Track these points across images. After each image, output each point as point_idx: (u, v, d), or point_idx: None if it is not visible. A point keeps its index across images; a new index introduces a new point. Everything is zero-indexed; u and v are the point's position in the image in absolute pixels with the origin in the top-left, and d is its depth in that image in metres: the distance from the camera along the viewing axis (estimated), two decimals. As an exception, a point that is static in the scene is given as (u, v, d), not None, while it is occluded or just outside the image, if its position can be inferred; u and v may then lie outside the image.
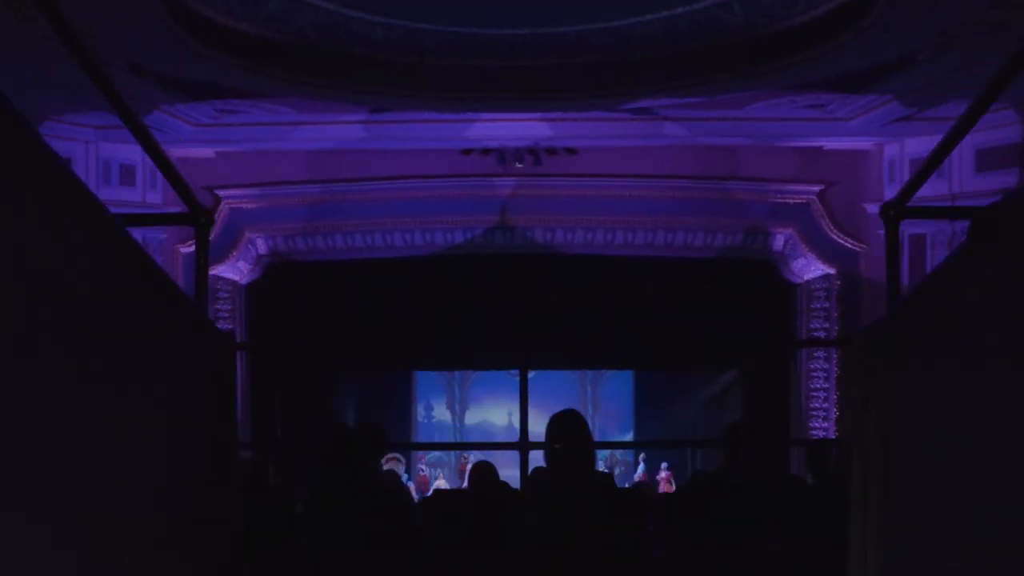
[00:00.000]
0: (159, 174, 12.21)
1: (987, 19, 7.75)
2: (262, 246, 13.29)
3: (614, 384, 19.40)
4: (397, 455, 19.15)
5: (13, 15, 7.33)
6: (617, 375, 18.58)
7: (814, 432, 13.12)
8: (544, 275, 13.55)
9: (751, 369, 14.22)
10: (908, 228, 12.04)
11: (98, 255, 1.48)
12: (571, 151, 12.60)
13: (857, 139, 12.05)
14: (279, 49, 9.28)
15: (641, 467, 18.20)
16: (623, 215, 13.02)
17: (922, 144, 11.77)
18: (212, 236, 11.23)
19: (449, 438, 20.10)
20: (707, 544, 3.48)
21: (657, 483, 17.22)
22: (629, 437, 19.59)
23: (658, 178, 12.79)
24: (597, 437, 19.32)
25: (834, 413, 13.01)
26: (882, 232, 11.17)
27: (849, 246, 12.81)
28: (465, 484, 15.55)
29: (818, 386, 13.24)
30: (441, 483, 18.57)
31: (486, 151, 12.47)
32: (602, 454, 18.83)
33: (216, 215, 12.85)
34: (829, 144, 12.38)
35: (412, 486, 17.19)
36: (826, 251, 12.90)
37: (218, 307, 13.12)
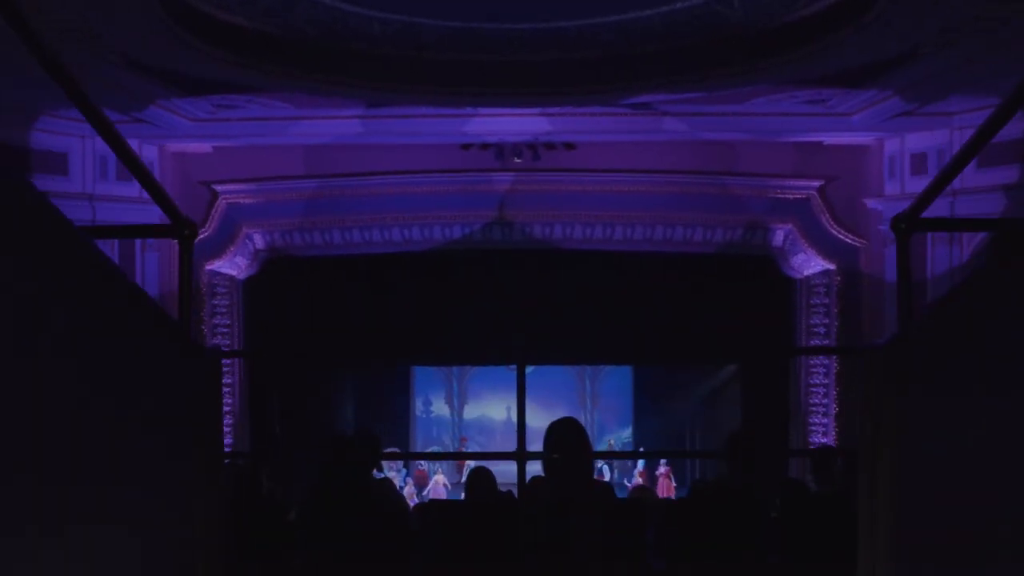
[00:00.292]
0: (156, 168, 12.19)
1: (988, 15, 7.70)
2: (259, 241, 13.24)
3: (613, 379, 19.38)
4: (396, 450, 19.17)
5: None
6: (616, 370, 18.57)
7: (814, 428, 13.09)
8: (542, 271, 13.51)
9: (750, 365, 14.18)
10: (908, 224, 11.98)
11: (75, 278, 1.43)
12: (570, 146, 12.56)
13: (857, 134, 12.00)
14: (276, 44, 9.22)
15: (640, 463, 18.20)
16: (622, 210, 12.97)
17: (923, 139, 11.72)
18: (209, 231, 11.23)
19: (448, 433, 20.09)
20: (708, 558, 3.43)
21: (656, 479, 17.22)
22: (628, 432, 19.56)
23: (657, 173, 12.75)
24: (596, 432, 19.37)
25: (834, 409, 12.98)
26: (883, 227, 11.17)
27: (849, 242, 12.77)
28: (463, 481, 15.50)
29: (818, 382, 13.21)
30: (440, 478, 18.57)
31: (484, 146, 12.42)
32: (600, 448, 18.82)
33: (213, 211, 12.81)
34: (829, 139, 12.33)
35: (411, 480, 17.23)
36: (826, 247, 12.85)
37: (215, 303, 13.08)
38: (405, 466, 18.18)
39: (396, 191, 12.84)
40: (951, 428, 1.71)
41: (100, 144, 11.70)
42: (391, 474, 17.39)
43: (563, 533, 3.21)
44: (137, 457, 1.60)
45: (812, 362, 13.23)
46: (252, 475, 4.74)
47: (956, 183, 11.34)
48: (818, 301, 13.17)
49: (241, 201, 12.90)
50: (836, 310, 12.99)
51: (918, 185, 11.87)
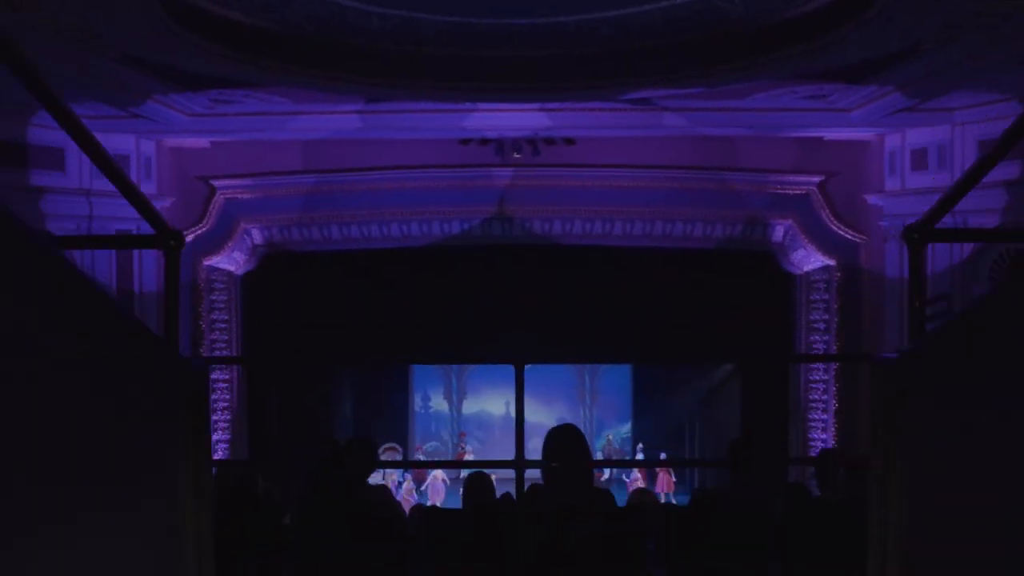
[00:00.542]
0: (153, 163, 12.14)
1: (990, 11, 7.65)
2: (258, 236, 13.20)
3: (612, 375, 19.38)
4: (395, 445, 19.14)
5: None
6: (615, 366, 18.57)
7: (813, 424, 13.07)
8: (542, 266, 13.48)
9: (750, 361, 14.15)
10: (909, 220, 11.92)
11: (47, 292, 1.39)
12: (569, 141, 12.51)
13: (858, 130, 11.95)
14: (274, 39, 9.15)
15: (640, 458, 18.18)
16: (621, 206, 12.93)
17: (923, 135, 11.68)
18: (207, 227, 11.17)
19: (446, 428, 20.09)
20: (709, 566, 3.39)
21: (656, 474, 17.19)
22: (627, 428, 19.57)
23: (657, 168, 12.71)
24: (595, 428, 19.37)
25: (833, 405, 12.96)
26: (883, 223, 11.10)
27: (849, 237, 12.73)
28: (461, 476, 15.51)
29: (817, 378, 13.19)
30: (438, 473, 18.56)
31: (484, 141, 12.37)
32: (599, 443, 18.84)
33: (210, 206, 12.77)
34: (829, 135, 12.28)
35: (409, 476, 17.22)
36: (826, 242, 12.82)
37: (213, 298, 13.05)
38: (404, 459, 18.20)
39: (395, 186, 12.80)
40: (963, 442, 1.68)
41: (96, 139, 11.66)
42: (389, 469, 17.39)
43: (563, 541, 3.17)
44: (118, 474, 1.56)
45: (812, 357, 13.22)
46: (248, 477, 4.69)
47: (957, 178, 11.30)
48: (818, 297, 13.14)
49: (239, 196, 12.86)
50: (836, 306, 12.97)
51: (918, 181, 11.83)
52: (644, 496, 5.53)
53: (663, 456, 17.37)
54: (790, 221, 12.87)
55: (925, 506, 1.79)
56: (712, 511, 3.83)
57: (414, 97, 10.76)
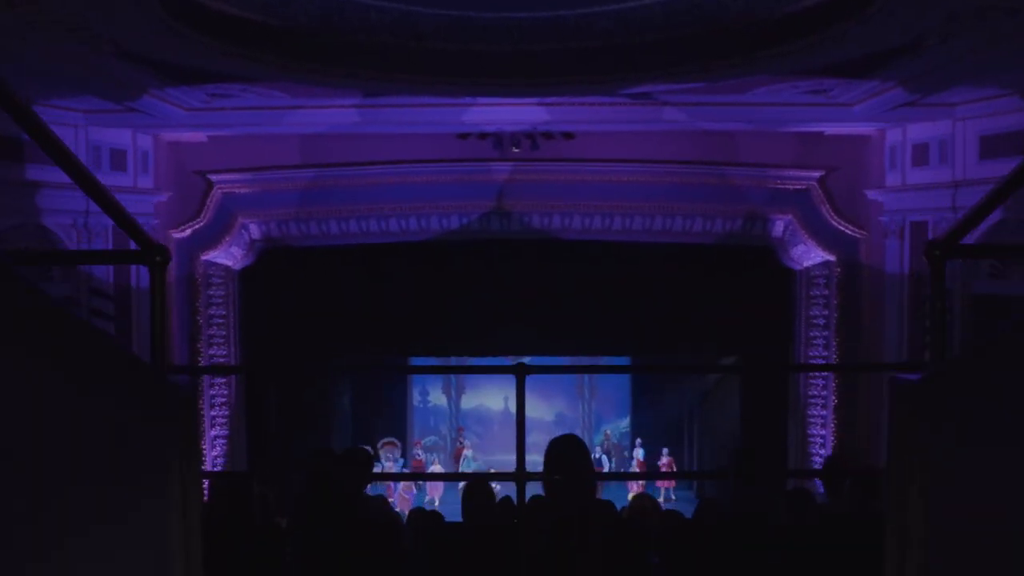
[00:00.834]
0: (151, 157, 12.08)
1: (992, 6, 7.59)
2: (255, 231, 13.15)
3: (611, 370, 19.35)
4: (393, 439, 19.12)
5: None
6: (614, 361, 18.51)
7: (812, 420, 13.05)
8: (541, 261, 13.43)
9: (749, 356, 14.11)
10: (909, 216, 11.89)
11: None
12: (569, 136, 12.46)
13: (859, 124, 11.90)
14: (271, 34, 9.09)
15: (640, 452, 18.15)
16: (621, 200, 12.88)
17: (924, 130, 11.62)
18: (204, 221, 11.10)
19: (445, 423, 20.09)
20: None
21: (657, 469, 17.16)
22: (626, 423, 19.56)
23: (656, 163, 12.65)
24: (593, 423, 19.35)
25: (833, 401, 12.93)
26: (883, 219, 11.03)
27: (849, 233, 12.69)
28: (462, 478, 15.49)
29: (816, 374, 13.15)
30: (436, 468, 18.57)
31: (483, 135, 12.32)
32: (597, 438, 18.83)
33: (208, 201, 12.72)
34: (830, 129, 12.23)
35: (407, 471, 17.20)
36: (826, 237, 12.78)
37: (211, 293, 13.01)
38: (403, 455, 18.18)
39: (393, 181, 12.75)
40: (984, 469, 1.64)
41: (94, 134, 11.60)
42: (387, 464, 17.38)
43: (564, 554, 3.13)
44: (104, 496, 1.52)
45: (811, 352, 13.17)
46: (244, 484, 4.65)
47: (958, 173, 11.25)
48: (818, 292, 13.10)
49: (236, 191, 12.81)
50: (836, 301, 12.93)
51: (919, 176, 11.78)
52: (645, 502, 5.50)
53: (666, 451, 17.35)
54: (790, 216, 12.83)
55: (946, 530, 1.75)
56: (716, 523, 3.78)
57: (412, 91, 10.70)
